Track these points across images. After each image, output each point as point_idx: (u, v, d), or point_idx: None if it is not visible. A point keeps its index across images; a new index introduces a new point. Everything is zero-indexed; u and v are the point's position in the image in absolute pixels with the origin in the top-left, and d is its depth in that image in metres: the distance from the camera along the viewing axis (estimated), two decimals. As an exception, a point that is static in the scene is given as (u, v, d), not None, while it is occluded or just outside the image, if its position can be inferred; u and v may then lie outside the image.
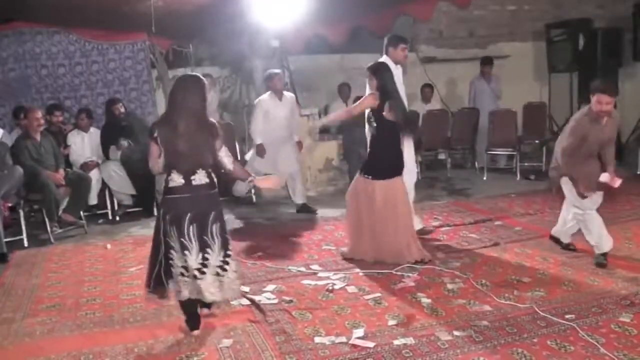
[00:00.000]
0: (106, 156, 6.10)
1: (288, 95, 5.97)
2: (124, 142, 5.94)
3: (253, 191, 6.52)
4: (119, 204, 6.11)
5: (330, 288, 3.77)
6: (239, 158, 7.07)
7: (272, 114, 5.79)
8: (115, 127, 6.05)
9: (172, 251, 3.03)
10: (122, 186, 5.99)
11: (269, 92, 5.85)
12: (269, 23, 6.31)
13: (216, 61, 8.03)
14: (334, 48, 7.93)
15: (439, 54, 8.71)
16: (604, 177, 3.93)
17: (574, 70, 8.35)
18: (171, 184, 3.04)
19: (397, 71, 4.55)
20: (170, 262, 3.05)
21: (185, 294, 3.06)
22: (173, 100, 3.07)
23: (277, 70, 6.08)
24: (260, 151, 5.81)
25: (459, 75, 8.61)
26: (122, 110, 6.13)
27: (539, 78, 8.99)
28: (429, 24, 8.53)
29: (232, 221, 5.77)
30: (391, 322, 3.22)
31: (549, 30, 8.65)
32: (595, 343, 2.87)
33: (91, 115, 6.34)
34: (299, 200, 6.00)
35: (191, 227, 3.00)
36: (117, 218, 5.96)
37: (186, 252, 3.00)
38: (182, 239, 3.00)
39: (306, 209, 5.95)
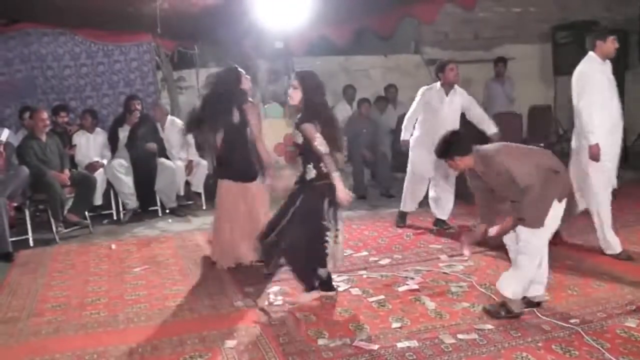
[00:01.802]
0: (112, 146, 6.16)
1: (459, 90, 5.11)
2: (151, 145, 6.00)
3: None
4: (124, 208, 6.10)
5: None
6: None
7: (434, 109, 5.00)
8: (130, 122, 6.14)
9: (327, 233, 3.43)
10: (127, 188, 5.99)
11: (438, 83, 5.08)
12: (273, 24, 6.32)
13: (221, 62, 8.04)
14: (338, 50, 7.94)
15: (444, 56, 8.63)
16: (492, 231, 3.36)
17: (579, 73, 8.32)
18: (325, 171, 3.35)
19: (605, 66, 4.27)
20: (325, 244, 3.45)
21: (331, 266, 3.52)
22: (323, 94, 3.45)
23: (450, 61, 5.14)
24: (404, 145, 5.20)
25: (465, 78, 8.59)
26: (139, 107, 6.16)
27: (545, 80, 8.97)
28: (434, 26, 8.51)
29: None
30: (395, 325, 3.22)
31: (555, 33, 8.63)
32: (600, 348, 2.85)
33: (96, 116, 6.38)
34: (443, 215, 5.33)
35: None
36: (125, 219, 5.97)
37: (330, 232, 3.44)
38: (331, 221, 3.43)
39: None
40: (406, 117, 5.20)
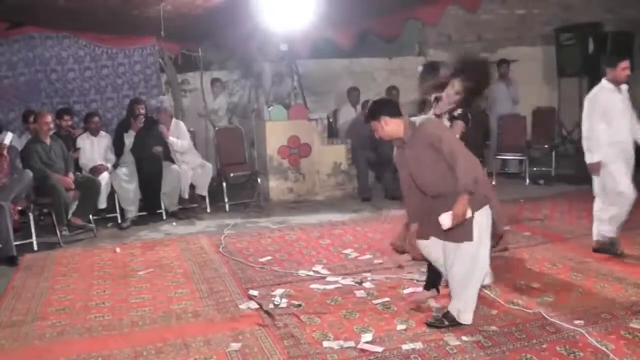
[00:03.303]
0: (117, 150, 6.15)
1: (624, 86, 4.43)
2: (158, 148, 6.00)
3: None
4: (122, 216, 6.03)
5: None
6: (247, 162, 7.13)
7: (612, 111, 4.26)
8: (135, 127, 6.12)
9: None
10: (131, 195, 5.97)
11: (604, 81, 4.37)
12: (277, 27, 6.33)
13: (225, 65, 8.07)
14: (342, 52, 7.95)
15: (447, 58, 8.69)
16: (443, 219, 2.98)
17: (583, 74, 8.31)
18: None
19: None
20: None
21: None
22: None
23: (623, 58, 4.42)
24: (596, 168, 4.28)
25: (468, 80, 8.59)
26: (143, 111, 6.13)
27: (548, 82, 8.95)
28: (437, 28, 8.53)
29: (239, 225, 5.80)
30: (400, 327, 3.21)
31: (558, 34, 8.62)
32: (605, 349, 2.84)
33: (100, 119, 6.38)
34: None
35: None
36: (124, 226, 5.91)
37: None
38: None
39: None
40: (586, 136, 4.29)
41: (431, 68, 4.21)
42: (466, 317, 3.16)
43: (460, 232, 3.03)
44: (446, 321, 3.17)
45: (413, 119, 3.16)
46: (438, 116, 3.63)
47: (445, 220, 2.95)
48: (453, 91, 3.65)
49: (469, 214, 2.94)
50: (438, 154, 2.99)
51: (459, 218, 2.93)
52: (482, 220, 3.06)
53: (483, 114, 7.79)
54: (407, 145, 3.11)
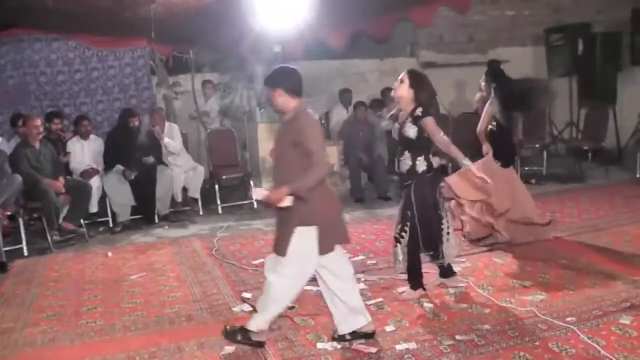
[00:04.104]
0: (107, 165, 5.99)
1: None
2: (149, 159, 5.94)
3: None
4: (114, 221, 5.98)
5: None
6: (239, 164, 7.11)
7: None
8: (127, 140, 5.92)
9: (443, 221, 3.64)
10: (123, 200, 5.92)
11: None
12: (269, 28, 6.32)
13: (216, 67, 8.05)
14: (334, 53, 7.96)
15: (439, 59, 8.73)
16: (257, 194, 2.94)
17: (573, 74, 8.38)
18: (435, 165, 3.54)
19: None
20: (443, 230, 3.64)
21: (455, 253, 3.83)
22: (433, 93, 3.53)
23: None
24: None
25: (459, 80, 8.63)
26: (137, 123, 6.00)
27: (539, 82, 9.00)
28: (429, 29, 8.55)
29: (232, 227, 5.78)
30: (393, 327, 3.22)
31: (548, 35, 8.68)
32: (596, 345, 2.87)
33: (90, 122, 6.33)
34: None
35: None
36: (116, 230, 5.86)
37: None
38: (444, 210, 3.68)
39: None
40: None
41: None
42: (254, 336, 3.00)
43: (280, 242, 2.92)
44: (239, 336, 3.03)
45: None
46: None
47: (258, 193, 2.89)
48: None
49: (285, 203, 2.80)
50: (296, 149, 2.84)
51: (269, 200, 2.82)
52: (300, 242, 2.85)
53: (475, 115, 7.81)
54: (284, 125, 3.02)
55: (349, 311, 3.02)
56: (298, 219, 2.85)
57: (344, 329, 3.03)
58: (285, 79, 2.96)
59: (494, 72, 4.71)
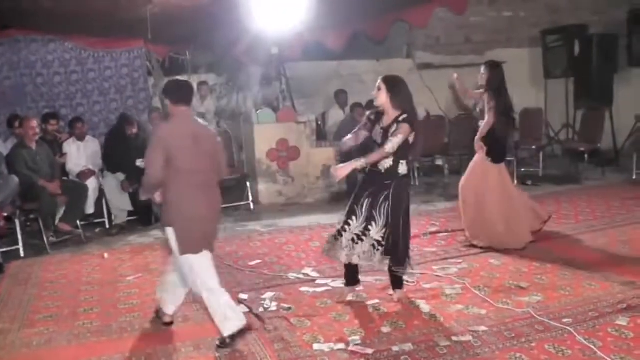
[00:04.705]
0: (108, 168, 5.98)
1: None
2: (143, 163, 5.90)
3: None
4: (111, 223, 5.96)
5: None
6: (235, 165, 7.10)
7: None
8: (125, 146, 5.89)
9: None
10: (122, 205, 5.91)
11: None
12: (267, 30, 6.32)
13: (213, 68, 8.05)
14: (330, 55, 7.97)
15: (435, 60, 8.74)
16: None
17: (570, 75, 8.40)
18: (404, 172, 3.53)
19: None
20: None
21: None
22: (410, 95, 3.52)
23: None
24: None
25: (456, 82, 8.64)
26: (135, 130, 5.97)
27: (535, 84, 9.03)
28: (425, 30, 8.57)
29: (229, 228, 5.78)
30: (390, 328, 3.22)
31: (545, 36, 8.71)
32: (592, 347, 2.88)
33: (84, 124, 6.30)
34: None
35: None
36: (113, 232, 5.84)
37: None
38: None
39: None
40: None
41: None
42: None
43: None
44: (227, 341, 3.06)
45: (178, 116, 3.17)
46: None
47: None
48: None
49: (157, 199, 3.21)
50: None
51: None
52: (171, 240, 3.12)
53: (470, 116, 7.83)
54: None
55: (173, 296, 3.34)
56: (162, 218, 3.21)
57: (171, 308, 3.34)
58: (171, 91, 3.22)
59: (499, 83, 4.62)
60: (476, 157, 4.74)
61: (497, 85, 4.61)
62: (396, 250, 3.50)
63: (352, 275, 3.76)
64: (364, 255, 3.51)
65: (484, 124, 4.63)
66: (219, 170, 3.25)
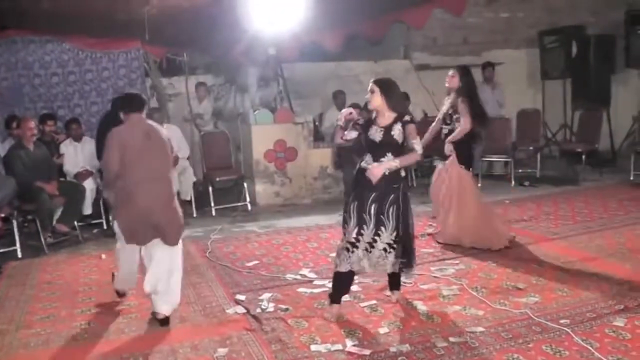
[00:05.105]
0: (99, 157, 5.97)
1: None
2: None
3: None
4: (108, 224, 5.91)
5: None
6: (232, 166, 7.10)
7: None
8: None
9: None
10: None
11: None
12: (264, 31, 6.32)
13: (210, 69, 8.05)
14: (328, 56, 7.97)
15: (433, 61, 8.75)
16: None
17: (567, 76, 8.43)
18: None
19: None
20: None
21: None
22: (402, 96, 3.64)
23: None
24: None
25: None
26: None
27: (533, 85, 9.05)
28: (423, 31, 8.57)
29: (226, 229, 5.77)
30: (387, 329, 3.22)
31: (542, 37, 8.73)
32: (590, 348, 2.88)
33: (80, 125, 6.29)
34: None
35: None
36: (112, 232, 5.85)
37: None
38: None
39: None
40: None
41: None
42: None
43: None
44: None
45: (131, 122, 3.48)
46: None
47: None
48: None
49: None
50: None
51: None
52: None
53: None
54: None
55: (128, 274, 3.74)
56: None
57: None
58: (122, 103, 3.59)
59: (471, 87, 4.69)
60: (447, 163, 4.82)
61: (469, 90, 4.63)
62: (408, 252, 3.50)
63: (346, 286, 3.51)
64: (378, 260, 3.43)
65: (458, 130, 4.65)
66: (168, 163, 3.58)
